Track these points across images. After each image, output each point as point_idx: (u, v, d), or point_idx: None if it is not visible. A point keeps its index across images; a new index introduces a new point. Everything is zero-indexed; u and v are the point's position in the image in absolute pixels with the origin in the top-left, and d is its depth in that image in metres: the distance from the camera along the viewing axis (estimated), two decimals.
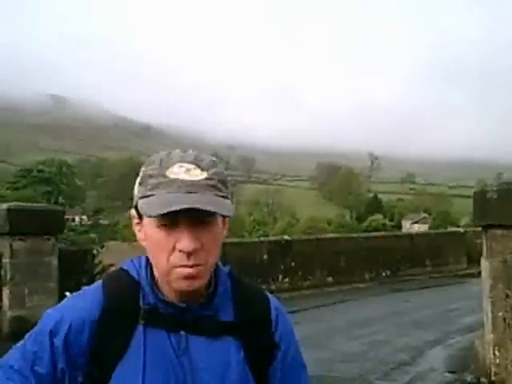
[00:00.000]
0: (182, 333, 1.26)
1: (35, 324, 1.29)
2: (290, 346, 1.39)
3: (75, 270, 9.07)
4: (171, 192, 1.17)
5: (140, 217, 1.25)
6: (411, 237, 16.46)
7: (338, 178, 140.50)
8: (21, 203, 10.27)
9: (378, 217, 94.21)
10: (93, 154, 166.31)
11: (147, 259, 1.30)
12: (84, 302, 1.29)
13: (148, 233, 1.23)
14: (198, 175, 1.20)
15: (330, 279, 13.57)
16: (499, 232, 5.35)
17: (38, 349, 1.25)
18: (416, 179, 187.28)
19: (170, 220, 1.18)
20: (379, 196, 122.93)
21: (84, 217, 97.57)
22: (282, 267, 12.63)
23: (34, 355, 1.25)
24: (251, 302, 1.36)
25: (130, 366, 1.23)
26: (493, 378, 5.29)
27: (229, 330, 1.29)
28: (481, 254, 5.83)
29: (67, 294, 1.50)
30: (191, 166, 1.21)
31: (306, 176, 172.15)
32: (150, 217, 1.19)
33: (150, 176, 1.21)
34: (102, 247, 10.84)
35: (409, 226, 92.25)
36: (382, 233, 24.52)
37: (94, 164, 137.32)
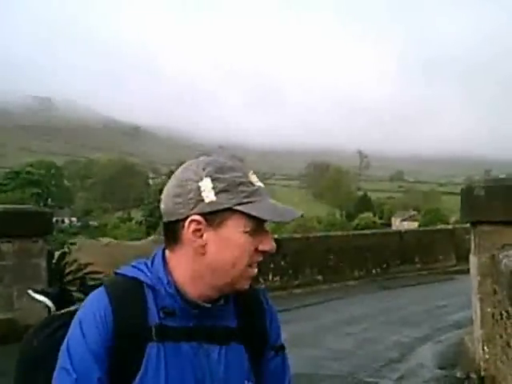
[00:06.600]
0: (194, 343, 1.27)
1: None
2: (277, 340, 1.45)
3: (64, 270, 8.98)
4: (265, 200, 1.27)
5: (208, 223, 1.23)
6: (400, 234, 16.52)
7: (327, 177, 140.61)
8: (8, 205, 10.21)
9: (368, 215, 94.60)
10: (81, 155, 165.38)
11: (163, 261, 1.29)
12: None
13: (229, 237, 1.24)
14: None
15: (320, 277, 13.60)
16: (487, 228, 5.39)
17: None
18: (405, 177, 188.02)
19: (261, 225, 1.28)
20: (369, 194, 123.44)
21: (73, 218, 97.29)
22: (272, 266, 12.62)
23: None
24: (249, 306, 1.39)
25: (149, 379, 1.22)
26: (482, 374, 5.32)
27: (235, 337, 1.33)
28: (469, 251, 5.88)
29: (30, 292, 1.44)
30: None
31: (296, 175, 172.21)
32: (270, 221, 1.29)
33: (240, 184, 1.25)
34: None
35: (398, 224, 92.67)
36: (372, 231, 24.60)
37: (83, 165, 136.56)
